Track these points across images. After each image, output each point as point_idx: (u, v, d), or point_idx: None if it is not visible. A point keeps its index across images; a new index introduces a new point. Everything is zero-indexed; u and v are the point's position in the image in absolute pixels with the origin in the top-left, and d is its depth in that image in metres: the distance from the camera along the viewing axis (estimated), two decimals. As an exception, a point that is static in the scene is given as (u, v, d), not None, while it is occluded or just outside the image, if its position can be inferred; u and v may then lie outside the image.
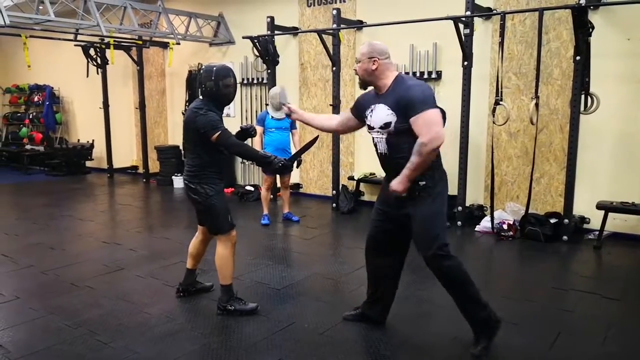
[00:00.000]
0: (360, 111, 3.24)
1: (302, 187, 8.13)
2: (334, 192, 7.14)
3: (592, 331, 3.47)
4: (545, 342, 3.30)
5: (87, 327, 3.50)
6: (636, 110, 5.46)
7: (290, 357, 3.11)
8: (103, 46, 9.18)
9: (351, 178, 7.30)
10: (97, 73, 9.57)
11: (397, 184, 2.94)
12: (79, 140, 11.37)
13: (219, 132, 3.48)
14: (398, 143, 2.99)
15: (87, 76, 9.41)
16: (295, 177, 8.01)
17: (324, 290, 4.27)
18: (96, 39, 9.05)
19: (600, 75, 5.39)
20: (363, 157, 7.44)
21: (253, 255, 5.16)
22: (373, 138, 3.16)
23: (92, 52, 9.27)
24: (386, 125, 3.01)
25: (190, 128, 3.59)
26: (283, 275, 4.59)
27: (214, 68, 3.57)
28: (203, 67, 3.70)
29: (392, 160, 3.07)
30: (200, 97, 3.67)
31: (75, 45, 9.03)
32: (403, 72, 6.76)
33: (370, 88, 3.17)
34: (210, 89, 3.55)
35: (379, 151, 3.15)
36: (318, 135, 4.18)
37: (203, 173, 3.62)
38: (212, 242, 3.96)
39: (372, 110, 3.11)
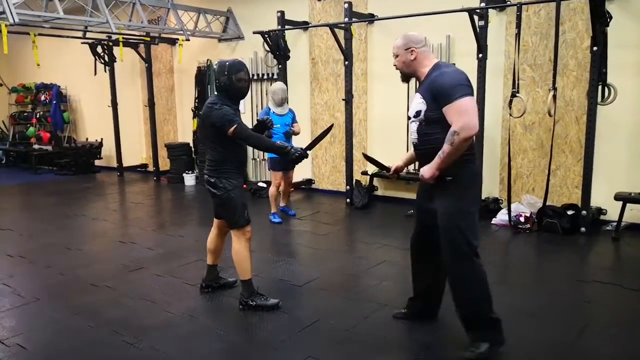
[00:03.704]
0: None
1: (314, 183, 8.09)
2: (348, 187, 7.10)
3: (617, 324, 3.45)
4: (570, 335, 3.28)
5: (111, 328, 3.49)
6: (653, 100, 5.42)
7: (319, 355, 3.08)
8: (110, 43, 9.13)
9: (365, 173, 7.26)
10: (105, 71, 9.53)
11: (427, 170, 2.91)
12: (87, 139, 11.34)
13: (235, 125, 3.51)
14: (427, 132, 2.93)
15: (95, 74, 9.37)
16: (307, 172, 7.98)
17: (346, 286, 4.25)
18: (103, 37, 9.03)
19: (616, 66, 5.33)
20: (376, 152, 7.37)
21: (271, 252, 5.14)
22: (410, 128, 3.12)
23: (99, 49, 9.23)
24: (417, 114, 2.96)
25: (206, 123, 3.62)
26: (302, 271, 4.57)
27: (227, 63, 3.62)
28: (216, 63, 3.70)
29: (421, 149, 3.03)
30: (215, 92, 3.69)
31: (83, 43, 8.99)
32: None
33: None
34: (224, 83, 3.60)
35: (412, 141, 3.11)
36: (332, 124, 4.16)
37: (222, 167, 3.66)
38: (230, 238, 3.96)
39: (412, 101, 3.07)
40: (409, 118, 3.08)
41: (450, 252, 2.97)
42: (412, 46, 2.97)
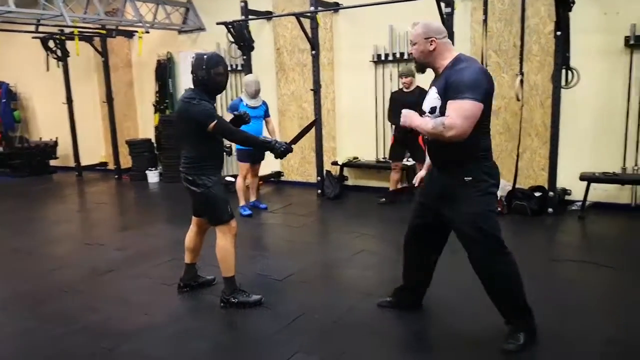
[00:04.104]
0: None
1: (283, 175, 8.00)
2: (319, 178, 7.05)
3: (598, 302, 3.54)
4: (556, 315, 3.31)
5: (88, 334, 3.34)
6: (613, 82, 5.58)
7: (309, 349, 3.04)
8: (63, 37, 8.75)
9: (335, 163, 7.23)
10: (58, 66, 9.13)
11: (412, 118, 2.84)
12: (41, 138, 10.84)
13: (215, 120, 3.41)
14: None
15: (47, 70, 8.97)
16: (276, 165, 7.88)
17: (326, 277, 4.22)
18: (55, 30, 8.63)
19: (579, 50, 5.46)
20: (345, 142, 7.37)
21: (246, 247, 5.01)
22: None
23: (51, 44, 8.83)
24: (432, 110, 2.82)
25: (184, 119, 3.50)
26: (282, 265, 4.48)
27: (205, 56, 3.50)
28: (192, 56, 3.58)
29: (434, 146, 2.89)
30: (192, 86, 3.56)
31: (34, 37, 8.56)
32: (385, 55, 6.74)
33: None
34: (202, 78, 3.48)
35: (425, 137, 2.95)
36: (316, 118, 4.08)
37: (200, 164, 3.55)
38: (210, 236, 3.86)
39: (427, 94, 2.92)
40: (423, 112, 2.93)
41: (483, 251, 2.85)
42: (433, 36, 2.79)
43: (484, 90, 2.68)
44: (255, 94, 6.02)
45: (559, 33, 5.29)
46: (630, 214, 5.58)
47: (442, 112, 2.75)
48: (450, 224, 2.97)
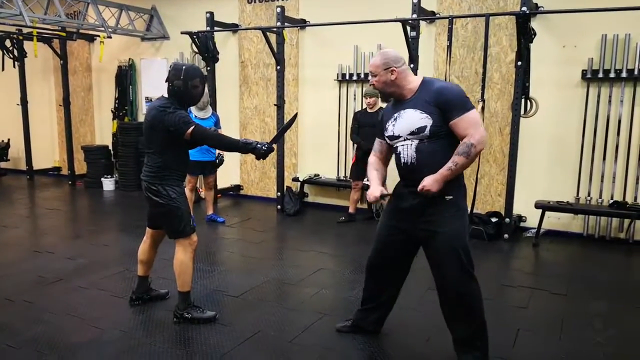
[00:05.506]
0: (383, 130, 3.01)
1: (242, 189, 7.92)
2: (279, 193, 7.01)
3: (548, 328, 3.59)
4: (507, 340, 3.36)
5: (33, 347, 3.18)
6: (570, 114, 5.78)
7: (264, 369, 2.98)
8: (21, 37, 8.47)
9: (295, 179, 7.21)
10: (14, 66, 8.82)
11: (433, 182, 2.71)
12: (-10, 139, 10.42)
13: (193, 126, 3.36)
14: (431, 149, 2.77)
15: (3, 70, 8.65)
16: (235, 178, 7.80)
17: (284, 295, 4.16)
18: (13, 29, 8.35)
19: (537, 81, 5.65)
20: (307, 159, 7.37)
21: (202, 261, 4.92)
22: (397, 148, 2.91)
23: (8, 43, 8.53)
24: (419, 130, 2.77)
25: (156, 127, 3.40)
26: (238, 281, 4.41)
27: (183, 67, 3.45)
28: (170, 65, 3.54)
29: (422, 169, 2.79)
30: (165, 95, 3.50)
31: (-11, 36, 8.26)
32: (350, 74, 6.82)
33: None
34: (178, 88, 3.42)
35: (403, 161, 2.87)
36: (297, 113, 4.08)
37: (164, 174, 3.47)
38: (163, 248, 3.77)
39: (395, 119, 2.88)
40: (396, 138, 2.89)
41: (458, 269, 2.83)
42: (392, 66, 2.83)
43: (469, 99, 2.83)
44: (203, 105, 5.95)
45: (519, 63, 5.45)
46: (582, 243, 5.74)
47: (432, 131, 2.76)
48: (425, 243, 2.93)
